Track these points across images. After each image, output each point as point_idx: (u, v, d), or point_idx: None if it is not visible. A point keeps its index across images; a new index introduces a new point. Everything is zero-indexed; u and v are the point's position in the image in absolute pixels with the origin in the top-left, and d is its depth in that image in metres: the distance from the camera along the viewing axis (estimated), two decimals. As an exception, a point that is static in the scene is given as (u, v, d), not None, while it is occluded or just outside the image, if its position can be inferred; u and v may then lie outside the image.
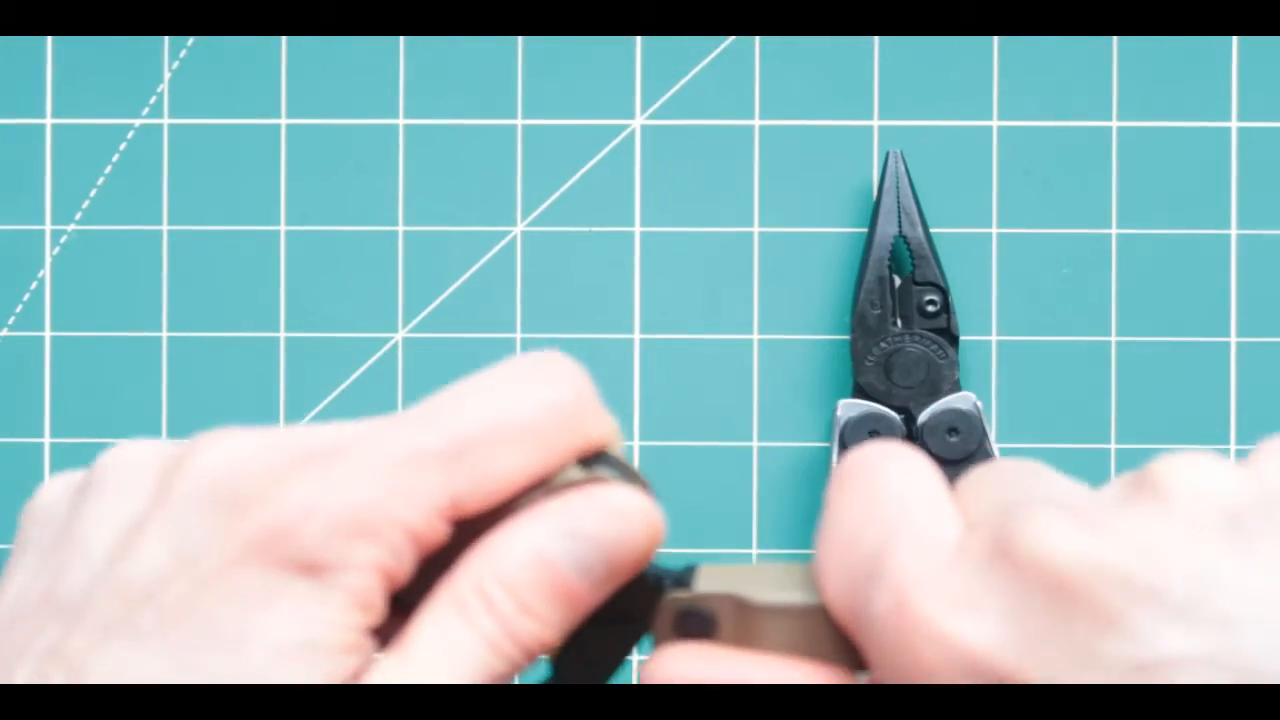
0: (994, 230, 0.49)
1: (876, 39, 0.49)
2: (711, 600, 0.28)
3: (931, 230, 0.47)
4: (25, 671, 0.23)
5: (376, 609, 0.23)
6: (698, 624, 0.28)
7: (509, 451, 0.24)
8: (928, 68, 0.49)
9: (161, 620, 0.22)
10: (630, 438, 0.49)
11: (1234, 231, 0.49)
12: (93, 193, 0.49)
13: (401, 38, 0.49)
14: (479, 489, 0.23)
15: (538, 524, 0.24)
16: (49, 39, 0.49)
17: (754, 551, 0.49)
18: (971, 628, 0.21)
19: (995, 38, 0.49)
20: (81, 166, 0.49)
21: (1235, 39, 0.49)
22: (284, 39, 0.49)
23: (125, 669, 0.22)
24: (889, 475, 0.24)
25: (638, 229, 0.49)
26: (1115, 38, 0.49)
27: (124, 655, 0.22)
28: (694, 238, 0.49)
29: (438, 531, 0.23)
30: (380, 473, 0.23)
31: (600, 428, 0.25)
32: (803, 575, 0.27)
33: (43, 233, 0.49)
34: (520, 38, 0.49)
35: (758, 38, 0.49)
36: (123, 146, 0.49)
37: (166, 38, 0.49)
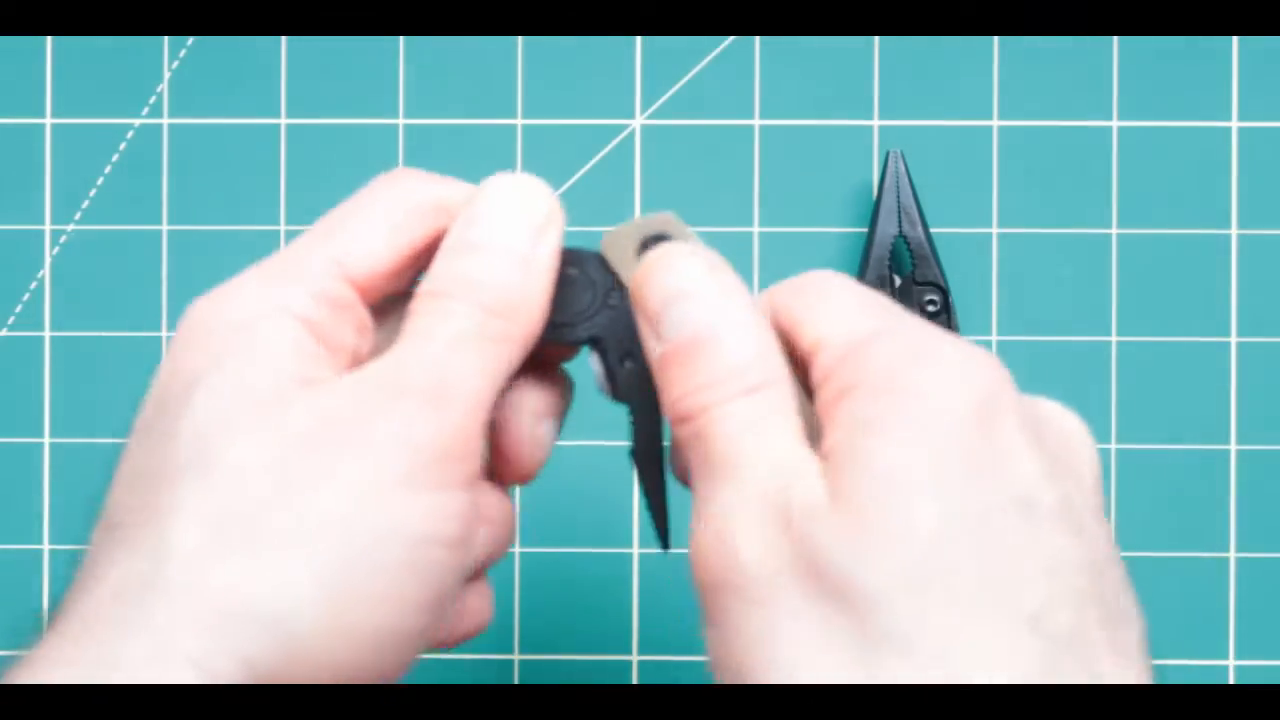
0: (994, 230, 0.49)
1: (876, 39, 0.49)
2: (674, 227, 0.31)
3: (931, 230, 0.47)
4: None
5: (307, 347, 0.28)
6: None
7: (367, 217, 0.29)
8: (928, 68, 0.49)
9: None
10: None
11: (1234, 231, 0.49)
12: (92, 193, 0.49)
13: (401, 38, 0.49)
14: (355, 247, 0.29)
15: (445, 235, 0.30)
16: (49, 39, 0.49)
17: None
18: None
19: (995, 38, 0.49)
20: (81, 166, 0.49)
21: (1235, 39, 0.49)
22: (284, 39, 0.49)
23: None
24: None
25: (638, 229, 0.49)
26: (1115, 38, 0.49)
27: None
28: (694, 238, 0.49)
29: (339, 290, 0.29)
30: (276, 258, 0.29)
31: (452, 192, 0.30)
32: None
33: (43, 233, 0.49)
34: (520, 38, 0.49)
35: (758, 38, 0.49)
36: (123, 146, 0.49)
37: (166, 38, 0.49)
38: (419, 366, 0.27)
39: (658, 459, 0.32)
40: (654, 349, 0.28)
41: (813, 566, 0.24)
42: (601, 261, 0.31)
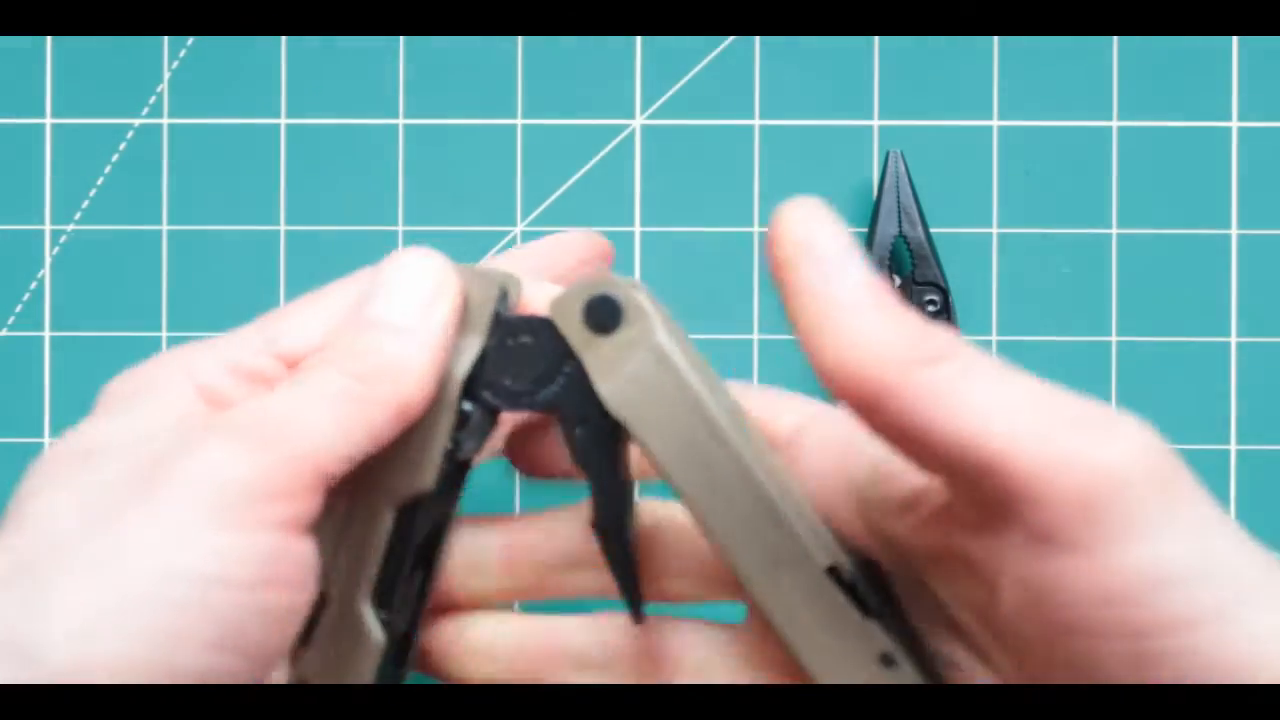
0: (994, 230, 0.49)
1: (876, 39, 0.49)
2: (613, 285, 0.31)
3: (931, 230, 0.47)
4: None
5: (195, 410, 0.29)
6: (608, 312, 0.31)
7: (313, 303, 0.31)
8: (928, 68, 0.49)
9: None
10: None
11: (1234, 231, 0.49)
12: (92, 193, 0.49)
13: (401, 38, 0.49)
14: (291, 328, 0.31)
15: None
16: (49, 39, 0.49)
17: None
18: None
19: (995, 38, 0.49)
20: (81, 166, 0.49)
21: (1235, 39, 0.49)
22: (284, 39, 0.49)
23: None
24: None
25: (638, 229, 0.49)
26: (1115, 38, 0.49)
27: None
28: (694, 238, 0.49)
29: (262, 364, 0.30)
30: (215, 340, 0.31)
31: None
32: None
33: (42, 233, 0.49)
34: (520, 38, 0.49)
35: (758, 38, 0.49)
36: (122, 146, 0.49)
37: (166, 38, 0.49)
38: (255, 409, 0.28)
39: (622, 527, 0.31)
40: (843, 284, 0.27)
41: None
42: (554, 328, 0.31)
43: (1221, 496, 0.48)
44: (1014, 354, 0.48)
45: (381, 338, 0.30)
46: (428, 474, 0.31)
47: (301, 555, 0.28)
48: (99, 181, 0.49)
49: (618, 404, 0.30)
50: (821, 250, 0.27)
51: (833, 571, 0.30)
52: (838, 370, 0.27)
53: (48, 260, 0.49)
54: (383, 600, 0.32)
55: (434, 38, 0.49)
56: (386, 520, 0.31)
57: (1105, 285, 0.49)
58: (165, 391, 0.29)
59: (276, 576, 0.27)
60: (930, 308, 0.47)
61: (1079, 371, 0.48)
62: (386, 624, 0.31)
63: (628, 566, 0.31)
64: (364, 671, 0.31)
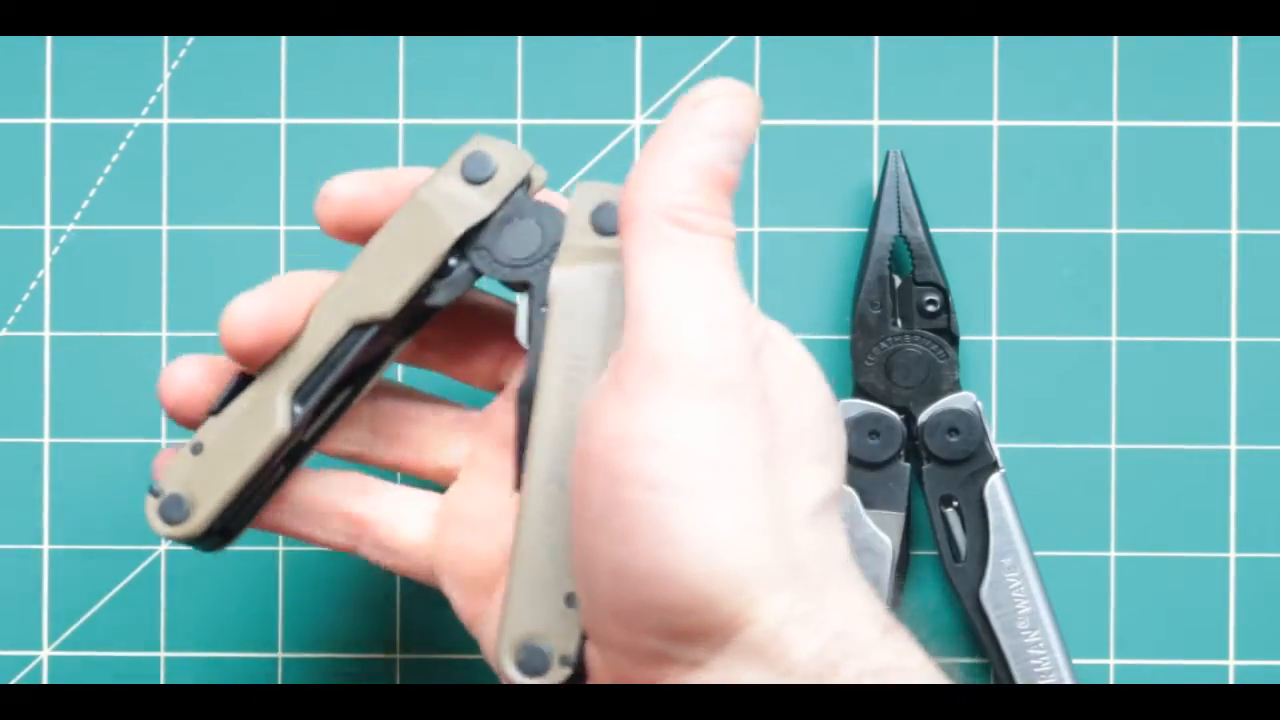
0: (994, 230, 0.49)
1: (876, 39, 0.49)
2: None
3: (931, 230, 0.47)
4: None
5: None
6: (613, 218, 0.34)
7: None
8: (928, 68, 0.49)
9: None
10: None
11: (1234, 231, 0.49)
12: (92, 193, 0.49)
13: (401, 38, 0.49)
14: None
15: None
16: (49, 39, 0.49)
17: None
18: None
19: (995, 38, 0.49)
20: (81, 166, 0.49)
21: (1235, 39, 0.49)
22: (284, 39, 0.49)
23: None
24: None
25: (638, 229, 0.49)
26: (1115, 38, 0.49)
27: None
28: (694, 238, 0.49)
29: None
30: None
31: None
32: None
33: (42, 233, 0.49)
34: (520, 38, 0.49)
35: (758, 38, 0.49)
36: (122, 146, 0.49)
37: (166, 38, 0.49)
38: None
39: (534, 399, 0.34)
40: (692, 139, 0.32)
41: None
42: (560, 221, 0.35)
43: (1221, 496, 0.48)
44: (1014, 354, 0.48)
45: None
46: (390, 303, 0.35)
47: None
48: (99, 181, 0.49)
49: (556, 286, 0.34)
50: (711, 112, 0.31)
51: None
52: (629, 189, 0.32)
53: (48, 260, 0.49)
54: (300, 397, 0.35)
55: (434, 38, 0.49)
56: (336, 329, 0.35)
57: (1105, 285, 0.49)
58: None
59: None
60: (930, 307, 0.47)
61: (1079, 371, 0.48)
62: (295, 419, 0.35)
63: (526, 436, 0.34)
64: (254, 452, 0.34)
